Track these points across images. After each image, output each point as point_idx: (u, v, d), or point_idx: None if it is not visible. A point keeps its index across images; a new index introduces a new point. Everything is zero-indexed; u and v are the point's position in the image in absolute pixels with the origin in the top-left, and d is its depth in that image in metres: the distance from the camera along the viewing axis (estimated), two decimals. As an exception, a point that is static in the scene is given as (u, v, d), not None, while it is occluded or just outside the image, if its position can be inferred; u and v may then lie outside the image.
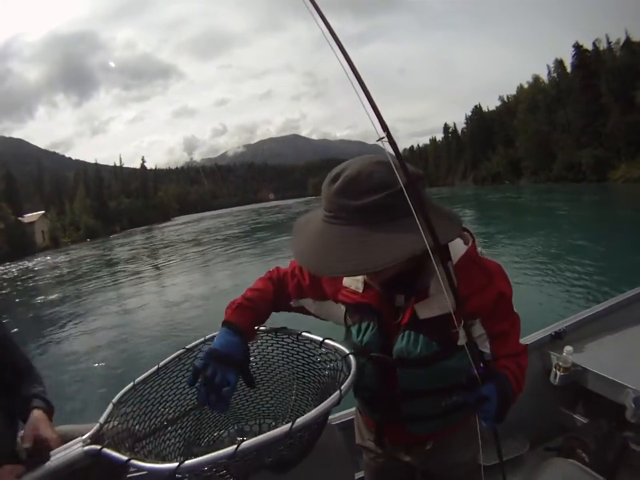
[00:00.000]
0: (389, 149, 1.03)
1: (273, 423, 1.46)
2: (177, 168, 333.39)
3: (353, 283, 1.36)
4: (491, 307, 1.25)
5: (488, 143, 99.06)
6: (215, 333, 1.35)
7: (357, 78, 1.07)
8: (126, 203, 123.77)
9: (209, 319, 10.72)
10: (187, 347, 1.40)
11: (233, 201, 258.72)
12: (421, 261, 1.19)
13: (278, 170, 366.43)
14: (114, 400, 1.20)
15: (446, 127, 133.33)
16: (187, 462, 0.88)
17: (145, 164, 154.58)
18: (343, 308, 1.41)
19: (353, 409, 1.84)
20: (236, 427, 1.48)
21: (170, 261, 27.38)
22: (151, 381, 1.30)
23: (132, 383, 1.26)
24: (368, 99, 1.05)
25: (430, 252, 0.97)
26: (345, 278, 1.36)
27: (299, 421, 0.93)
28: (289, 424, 0.91)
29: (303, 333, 1.36)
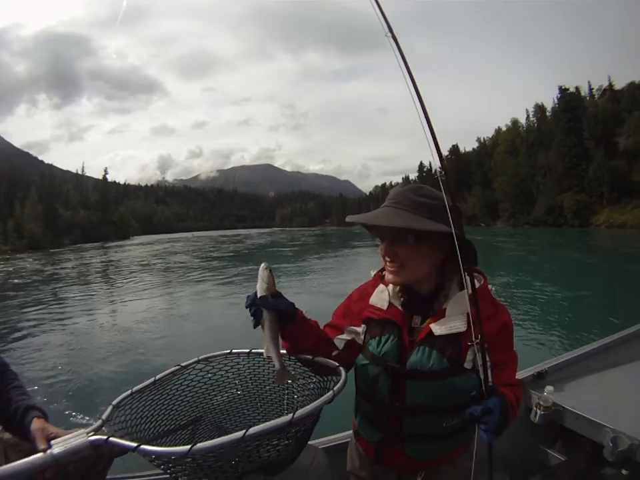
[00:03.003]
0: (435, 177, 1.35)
1: None
2: (146, 185, 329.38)
3: (379, 301, 1.57)
4: (495, 335, 1.42)
5: (464, 183, 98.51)
6: (208, 354, 1.55)
7: (425, 116, 1.34)
8: (81, 215, 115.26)
9: (150, 345, 10.39)
10: (181, 364, 1.51)
11: (198, 225, 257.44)
12: (439, 285, 1.52)
13: (247, 198, 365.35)
14: (114, 402, 1.29)
15: (421, 166, 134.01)
16: (198, 445, 0.95)
17: (107, 176, 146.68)
18: (361, 329, 1.59)
19: (341, 434, 2.11)
20: None
21: (110, 284, 24.87)
22: (147, 391, 1.40)
23: (130, 390, 1.36)
24: (432, 137, 1.33)
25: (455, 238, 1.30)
26: (372, 298, 1.60)
27: (299, 412, 1.04)
28: (291, 414, 1.03)
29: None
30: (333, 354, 1.55)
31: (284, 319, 1.42)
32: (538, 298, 14.59)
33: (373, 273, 1.69)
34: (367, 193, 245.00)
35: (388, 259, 1.50)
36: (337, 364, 1.37)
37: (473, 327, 1.33)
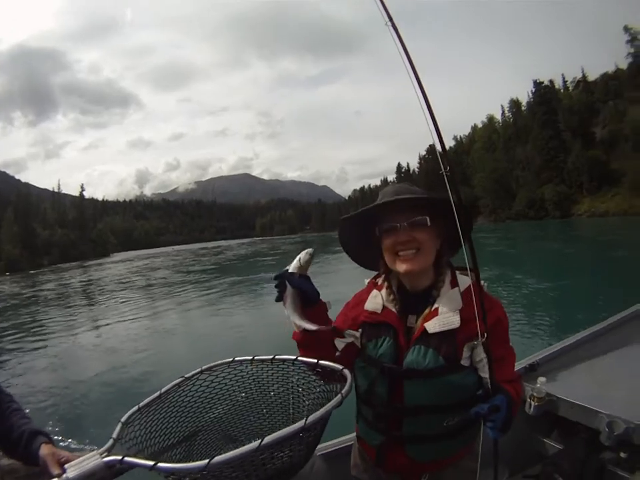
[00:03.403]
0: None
1: None
2: (124, 200, 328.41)
3: (374, 306, 1.62)
4: (491, 330, 1.42)
5: (441, 182, 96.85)
6: (211, 364, 1.51)
7: (430, 115, 1.38)
8: (59, 234, 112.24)
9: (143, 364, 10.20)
10: (185, 375, 1.50)
11: (178, 239, 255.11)
12: (432, 283, 1.57)
13: (226, 209, 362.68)
14: (122, 419, 1.27)
15: (399, 167, 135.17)
16: (216, 458, 0.95)
17: (84, 192, 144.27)
18: (358, 333, 1.64)
19: (342, 438, 2.11)
20: (232, 447, 1.51)
21: (92, 304, 24.80)
22: (154, 405, 1.40)
23: (137, 406, 1.34)
24: (438, 135, 1.39)
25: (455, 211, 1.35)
26: (366, 303, 1.65)
27: (311, 417, 1.04)
28: (303, 420, 1.02)
29: (299, 358, 1.47)
30: (336, 355, 1.57)
31: (305, 301, 1.45)
32: (522, 291, 14.79)
33: (366, 281, 1.76)
34: (346, 197, 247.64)
35: (402, 247, 1.51)
36: (342, 366, 1.32)
37: (479, 324, 1.36)
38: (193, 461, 1.14)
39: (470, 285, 1.50)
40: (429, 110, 1.36)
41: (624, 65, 77.91)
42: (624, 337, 3.27)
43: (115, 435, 1.19)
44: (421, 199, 1.52)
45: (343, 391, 1.16)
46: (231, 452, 0.96)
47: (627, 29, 75.49)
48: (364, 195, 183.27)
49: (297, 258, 1.46)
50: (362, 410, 1.64)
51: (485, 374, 1.43)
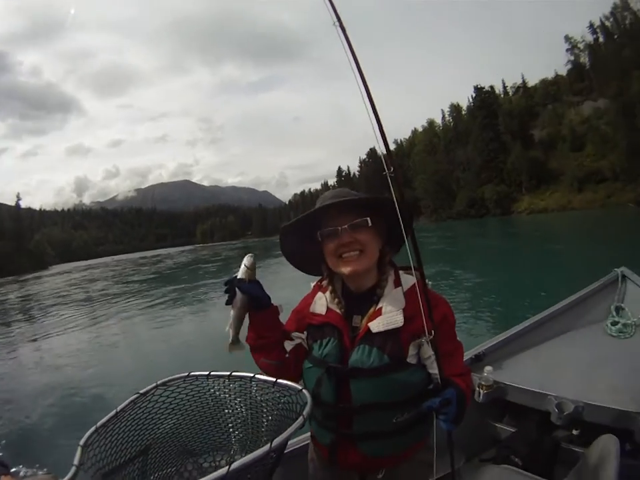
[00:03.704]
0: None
1: (226, 455, 1.55)
2: (62, 210, 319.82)
3: (318, 307, 1.64)
4: (437, 326, 1.43)
5: (384, 184, 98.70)
6: (166, 379, 1.50)
7: (375, 116, 1.37)
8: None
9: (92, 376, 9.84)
10: (140, 391, 1.48)
11: (117, 248, 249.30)
12: (376, 283, 1.58)
13: (166, 216, 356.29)
14: (80, 442, 1.24)
15: (339, 171, 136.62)
16: None
17: (20, 202, 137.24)
18: (303, 335, 1.65)
19: (297, 438, 2.14)
20: (191, 460, 1.56)
21: (30, 320, 22.98)
22: (111, 425, 1.37)
23: (94, 427, 1.31)
24: (382, 137, 1.39)
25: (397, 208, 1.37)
26: (312, 306, 1.66)
27: (276, 440, 1.05)
28: (268, 444, 1.03)
29: (257, 376, 1.47)
30: (286, 356, 1.60)
31: (255, 305, 1.49)
32: (464, 285, 15.11)
33: (312, 284, 1.77)
34: (287, 202, 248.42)
35: (345, 249, 1.52)
36: (300, 387, 1.32)
37: (425, 322, 1.40)
38: (148, 476, 1.24)
39: (414, 284, 1.52)
40: (373, 110, 1.37)
41: (563, 71, 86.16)
42: (565, 324, 3.42)
43: (76, 462, 1.16)
44: (360, 200, 1.53)
45: (304, 413, 1.16)
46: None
47: (567, 39, 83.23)
48: (304, 199, 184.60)
49: (242, 264, 1.47)
50: (313, 410, 1.47)
51: (434, 370, 1.45)
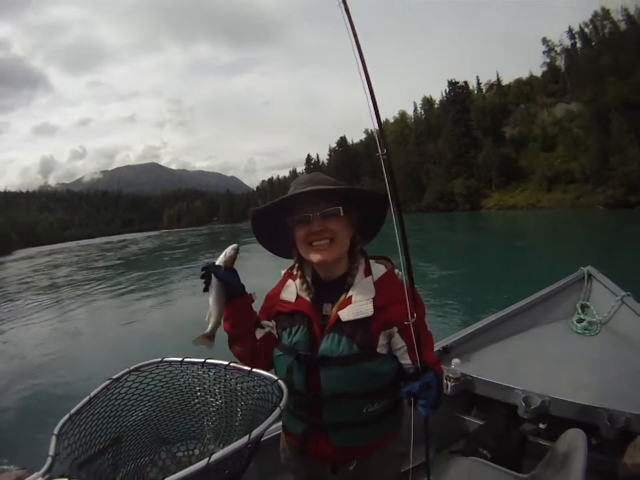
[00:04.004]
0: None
1: (199, 445, 1.55)
2: (27, 191, 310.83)
3: (288, 295, 1.62)
4: (406, 317, 1.44)
5: (353, 174, 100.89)
6: (139, 364, 1.49)
7: (370, 92, 1.40)
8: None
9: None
10: (113, 377, 1.46)
11: (84, 233, 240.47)
12: (346, 271, 1.56)
13: (133, 199, 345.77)
14: (55, 431, 1.22)
15: (309, 159, 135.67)
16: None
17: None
18: (272, 323, 1.64)
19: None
20: (164, 449, 1.54)
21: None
22: (85, 412, 1.35)
23: (68, 414, 1.29)
24: (377, 117, 1.42)
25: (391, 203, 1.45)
26: (282, 293, 1.64)
27: (255, 432, 1.05)
28: (247, 436, 1.03)
29: (231, 364, 1.46)
30: (257, 345, 1.60)
31: (230, 293, 1.50)
32: (430, 277, 15.52)
33: (282, 272, 1.76)
34: (254, 188, 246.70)
35: (316, 237, 1.51)
36: (276, 378, 1.32)
37: (409, 309, 1.42)
38: (123, 466, 1.26)
39: (384, 274, 1.56)
40: (372, 97, 1.40)
41: (538, 72, 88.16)
42: (531, 320, 3.49)
43: (51, 452, 1.14)
44: (335, 189, 1.50)
45: (281, 404, 1.17)
46: (179, 473, 0.93)
47: (545, 41, 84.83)
48: (272, 185, 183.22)
49: (224, 252, 1.49)
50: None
51: (405, 360, 1.48)
